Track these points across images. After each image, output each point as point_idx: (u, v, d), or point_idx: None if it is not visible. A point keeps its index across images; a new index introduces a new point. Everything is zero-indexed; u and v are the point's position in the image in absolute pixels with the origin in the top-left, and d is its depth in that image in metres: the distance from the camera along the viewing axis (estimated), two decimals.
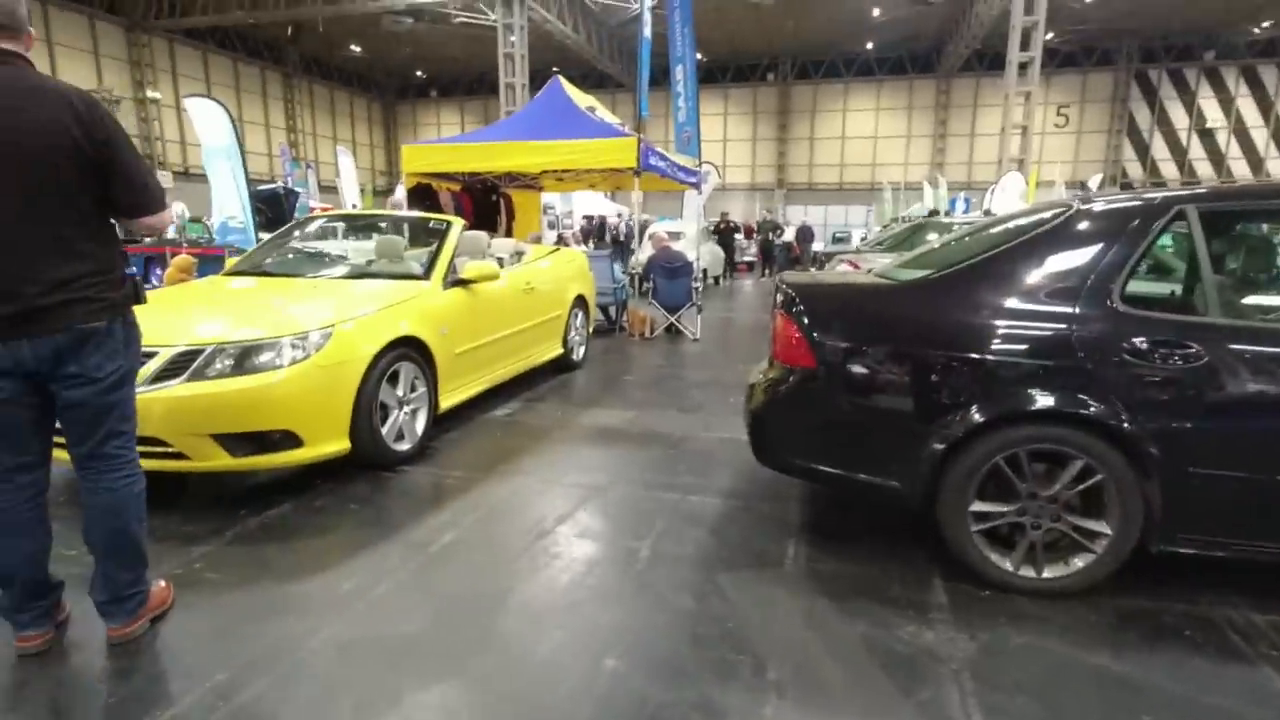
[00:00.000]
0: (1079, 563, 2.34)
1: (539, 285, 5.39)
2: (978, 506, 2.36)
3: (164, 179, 20.55)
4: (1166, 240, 2.54)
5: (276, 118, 29.73)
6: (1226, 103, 27.38)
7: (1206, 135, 27.75)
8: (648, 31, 8.31)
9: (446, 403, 4.16)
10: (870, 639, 2.10)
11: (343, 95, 34.16)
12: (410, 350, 3.78)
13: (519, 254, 5.76)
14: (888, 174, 29.55)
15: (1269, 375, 2.15)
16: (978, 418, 2.29)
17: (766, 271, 19.07)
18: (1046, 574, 2.35)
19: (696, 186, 9.09)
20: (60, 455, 2.01)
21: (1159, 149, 28.56)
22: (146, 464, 2.12)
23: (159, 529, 2.74)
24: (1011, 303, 2.35)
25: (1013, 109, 19.13)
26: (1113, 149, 29.01)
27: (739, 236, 19.20)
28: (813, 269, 14.42)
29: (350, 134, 34.49)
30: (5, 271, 1.73)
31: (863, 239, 18.41)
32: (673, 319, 8.08)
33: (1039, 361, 2.27)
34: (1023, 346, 2.30)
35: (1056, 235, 2.41)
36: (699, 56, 30.77)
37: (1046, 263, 2.38)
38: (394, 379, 3.65)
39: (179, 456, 2.88)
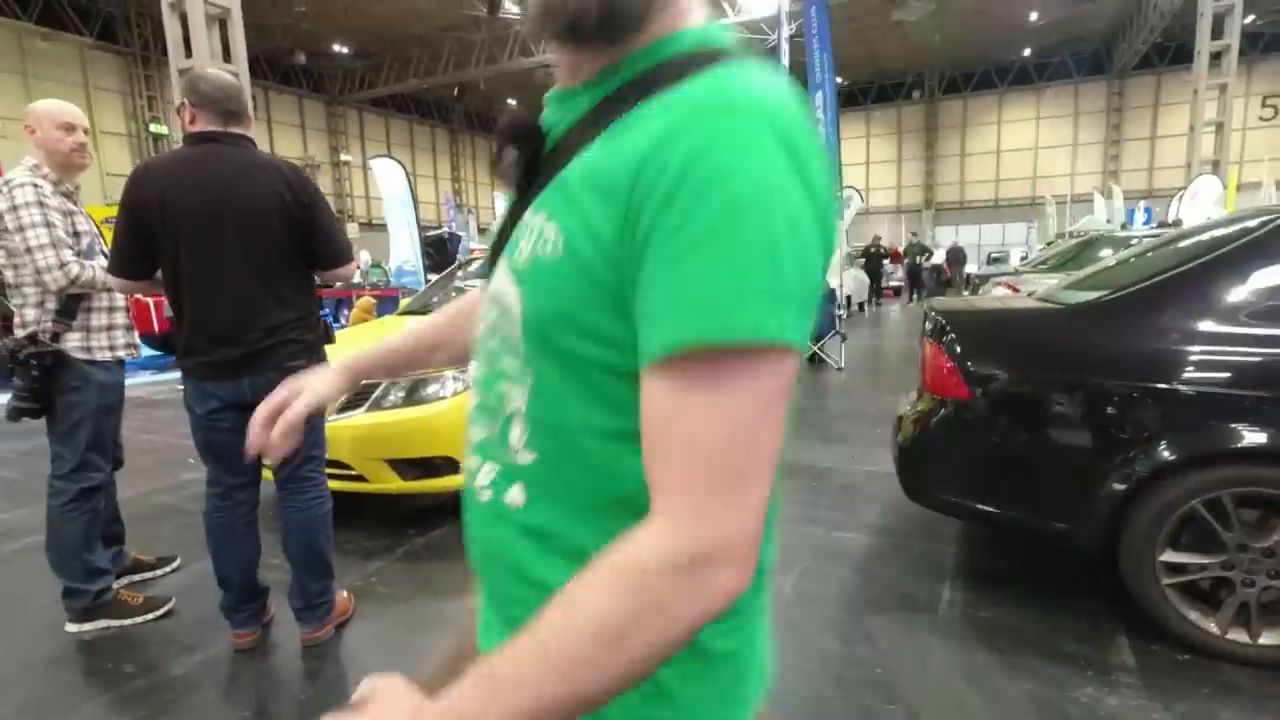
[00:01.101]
0: None
1: None
2: (1170, 557, 2.09)
3: (351, 230, 23.15)
4: None
5: (444, 169, 32.59)
6: None
7: None
8: (785, 61, 8.30)
9: None
10: (1039, 699, 1.91)
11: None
12: None
13: None
14: (1051, 186, 27.28)
15: None
16: (1167, 456, 2.05)
17: (914, 297, 18.17)
18: (1264, 640, 2.04)
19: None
20: (266, 475, 2.30)
21: None
22: (333, 485, 2.38)
23: (343, 544, 3.05)
24: (1207, 325, 2.09)
25: (1204, 105, 17.11)
26: None
27: (886, 262, 18.46)
28: (965, 293, 13.56)
29: None
30: (237, 320, 2.02)
31: (1022, 258, 17.03)
32: (814, 347, 7.89)
33: (1244, 392, 2.00)
34: (1223, 375, 2.04)
35: (1264, 246, 2.13)
36: (839, 80, 30.30)
37: (1251, 278, 2.10)
38: None
39: (359, 479, 3.20)
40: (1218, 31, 16.59)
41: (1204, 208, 13.92)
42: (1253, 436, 1.99)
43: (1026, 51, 26.91)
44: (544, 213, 0.56)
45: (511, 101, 30.02)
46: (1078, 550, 2.21)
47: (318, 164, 25.90)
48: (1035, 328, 2.42)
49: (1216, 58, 16.75)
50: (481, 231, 26.06)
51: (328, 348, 2.26)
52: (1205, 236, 2.39)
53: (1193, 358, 2.08)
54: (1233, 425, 2.01)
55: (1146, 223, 18.27)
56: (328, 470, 2.34)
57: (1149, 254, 2.67)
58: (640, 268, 0.48)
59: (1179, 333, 2.11)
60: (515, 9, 20.08)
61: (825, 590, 2.57)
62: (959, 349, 2.38)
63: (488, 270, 0.66)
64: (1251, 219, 2.27)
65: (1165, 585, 2.10)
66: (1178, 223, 13.65)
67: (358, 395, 3.22)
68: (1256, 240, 2.15)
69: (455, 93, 28.56)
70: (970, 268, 17.27)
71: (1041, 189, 27.43)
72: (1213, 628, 2.07)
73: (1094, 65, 27.30)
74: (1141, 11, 21.57)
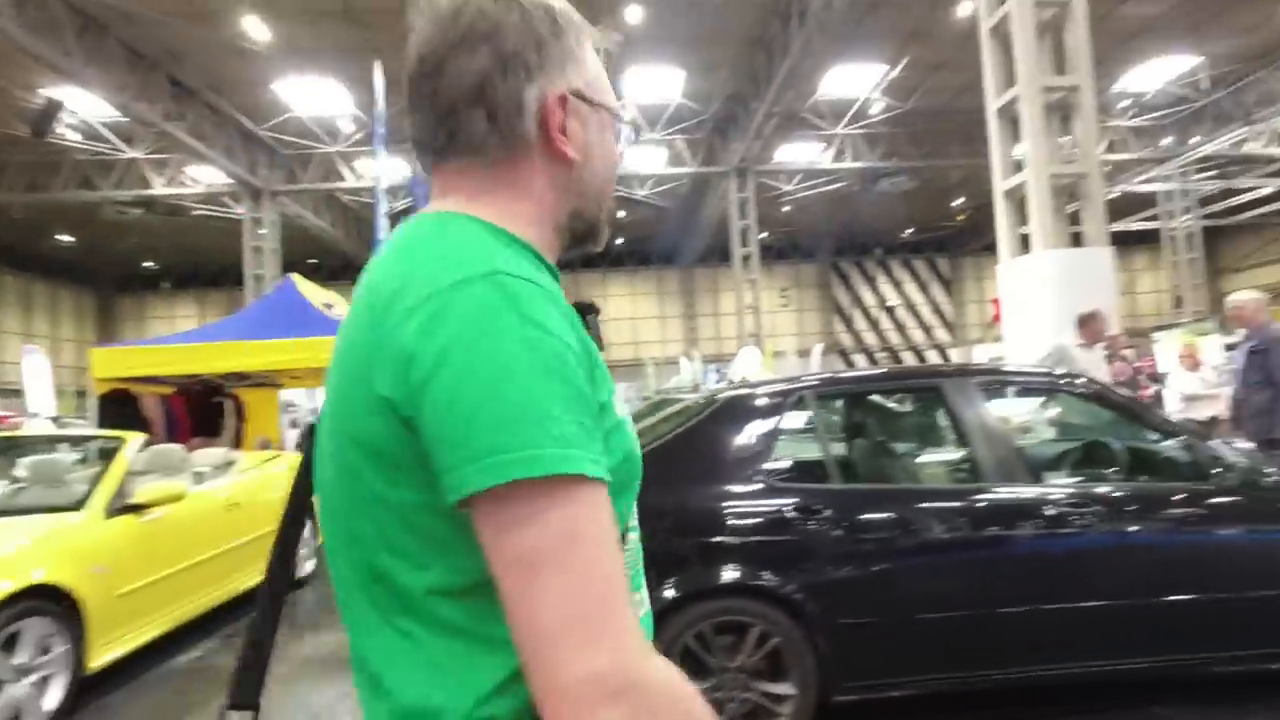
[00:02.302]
0: None
1: (248, 499, 4.80)
2: None
3: None
4: (803, 419, 2.98)
5: None
6: (897, 285, 34.34)
7: (888, 310, 34.28)
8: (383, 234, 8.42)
9: (103, 657, 3.38)
10: None
11: (43, 287, 30.29)
12: (43, 602, 3.06)
13: (229, 464, 5.16)
14: (649, 351, 32.17)
15: (881, 529, 2.49)
16: (668, 596, 2.32)
17: None
18: None
19: None
20: None
21: (859, 322, 34.57)
22: None
23: None
24: (683, 483, 2.49)
25: (744, 293, 22.22)
26: (827, 323, 34.55)
27: None
28: None
29: (51, 330, 30.28)
30: None
31: None
32: None
33: (706, 540, 2.39)
34: (700, 522, 2.43)
35: (711, 420, 2.67)
36: None
37: (702, 446, 2.61)
38: (11, 644, 2.89)
39: None
40: (744, 241, 22.03)
41: (748, 370, 17.81)
42: (727, 574, 2.36)
43: (620, 240, 32.22)
44: None
45: (65, 237, 25.26)
46: None
47: None
48: None
49: (746, 259, 22.11)
50: (7, 393, 20.42)
51: None
52: (679, 409, 2.94)
53: (681, 508, 2.45)
54: (711, 566, 2.37)
55: (718, 381, 22.49)
56: None
57: (656, 418, 3.16)
58: None
59: (667, 488, 2.48)
60: (72, 136, 17.41)
61: None
62: None
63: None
64: (705, 396, 2.88)
65: None
66: (731, 383, 17.22)
67: None
68: (706, 416, 2.70)
69: None
70: None
71: (642, 352, 32.13)
72: None
73: (668, 256, 33.82)
74: (695, 221, 27.67)
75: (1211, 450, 2.80)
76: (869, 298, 34.62)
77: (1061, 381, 3.16)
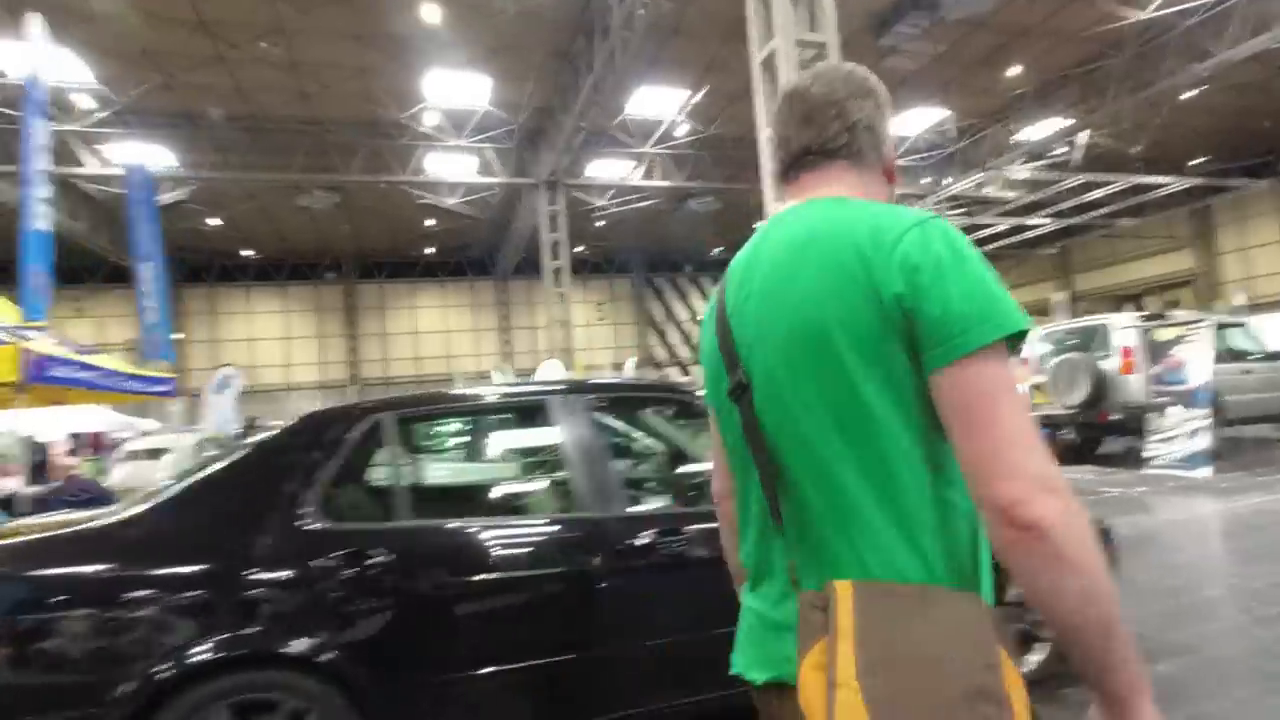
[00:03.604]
0: None
1: None
2: None
3: None
4: (372, 446, 2.57)
5: None
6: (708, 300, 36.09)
7: (701, 324, 35.91)
8: (42, 224, 6.88)
9: None
10: None
11: None
12: None
13: None
14: (462, 365, 30.96)
15: (454, 571, 2.20)
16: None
17: None
18: None
19: (166, 394, 7.83)
20: None
21: (673, 335, 35.80)
22: None
23: None
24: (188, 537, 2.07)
25: (554, 306, 21.97)
26: (642, 336, 35.38)
27: None
28: None
29: None
30: None
31: None
32: None
33: (224, 598, 1.99)
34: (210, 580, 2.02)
35: (254, 453, 2.29)
36: (248, 253, 29.12)
37: (233, 485, 2.20)
38: None
39: None
40: (556, 254, 21.82)
41: None
42: (249, 640, 1.98)
43: (430, 250, 30.76)
44: None
45: None
46: None
47: None
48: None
49: (558, 273, 21.91)
50: None
51: None
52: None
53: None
54: (226, 630, 1.97)
55: None
56: None
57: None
58: None
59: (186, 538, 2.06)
60: None
61: None
62: None
63: None
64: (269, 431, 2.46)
65: None
66: None
67: None
68: (259, 445, 2.30)
69: None
70: None
71: (455, 366, 30.83)
72: None
73: (483, 268, 32.86)
74: (508, 233, 27.10)
75: None
76: (682, 312, 35.97)
77: (683, 395, 2.91)
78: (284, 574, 2.00)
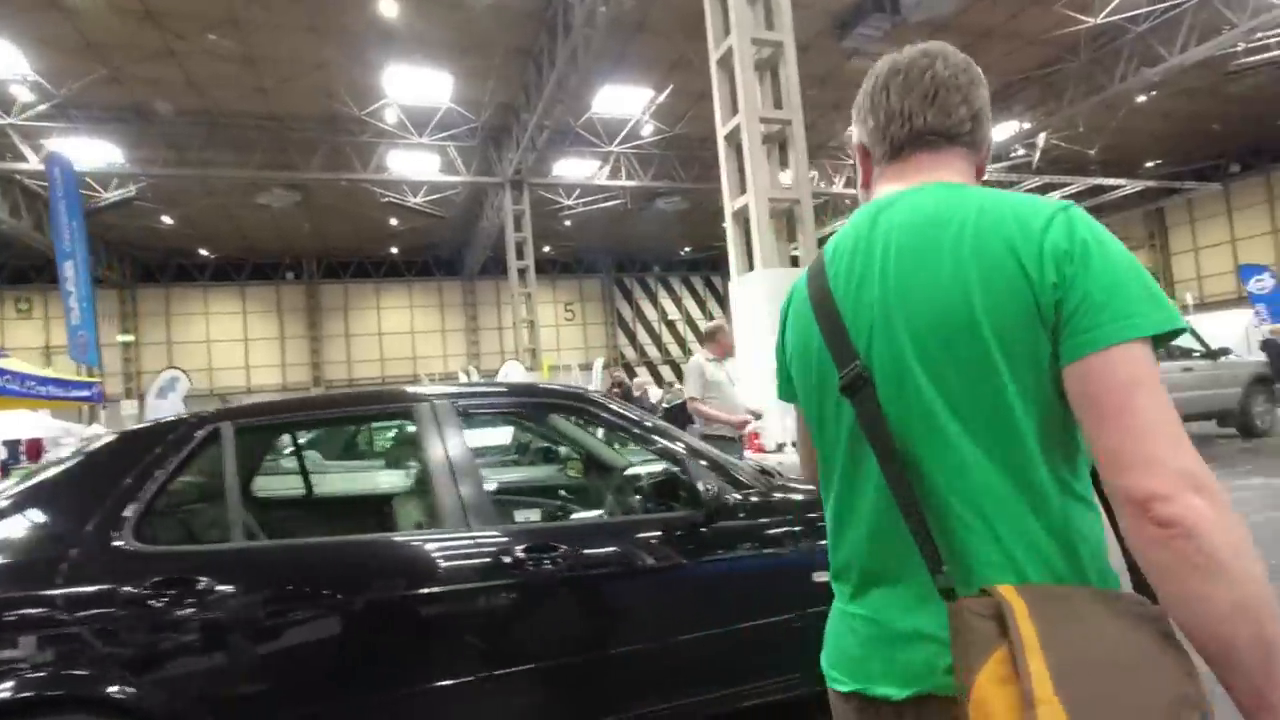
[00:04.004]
0: None
1: None
2: None
3: None
4: (209, 460, 2.26)
5: None
6: (677, 300, 36.07)
7: (670, 324, 35.89)
8: None
9: None
10: None
11: None
12: None
13: None
14: (429, 366, 30.55)
15: (289, 598, 1.97)
16: None
17: None
18: None
19: (87, 400, 7.52)
20: None
21: (642, 335, 35.77)
22: None
23: None
24: None
25: (519, 306, 21.78)
26: (611, 336, 35.29)
27: None
28: None
29: None
30: None
31: None
32: None
33: (28, 635, 1.74)
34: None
35: (71, 469, 2.09)
36: (205, 253, 28.41)
37: (43, 504, 1.98)
38: None
39: None
40: (521, 254, 21.64)
41: None
42: (46, 683, 1.72)
43: (394, 250, 30.30)
44: None
45: None
46: None
47: None
48: None
49: (523, 273, 21.72)
50: None
51: None
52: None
53: None
54: (27, 672, 1.71)
55: None
56: None
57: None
58: None
59: None
60: None
61: None
62: None
63: None
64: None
65: None
66: None
67: None
68: (74, 461, 2.12)
69: None
70: None
71: (421, 367, 30.42)
72: None
73: (450, 268, 32.48)
74: (474, 232, 26.82)
75: (702, 472, 2.37)
76: (651, 312, 35.95)
77: (561, 400, 2.74)
78: (90, 603, 1.76)
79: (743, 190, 7.69)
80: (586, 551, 2.23)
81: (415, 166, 20.40)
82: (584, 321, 34.92)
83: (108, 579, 1.81)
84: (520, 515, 2.51)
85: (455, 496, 2.20)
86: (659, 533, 2.32)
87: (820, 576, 2.32)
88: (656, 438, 2.56)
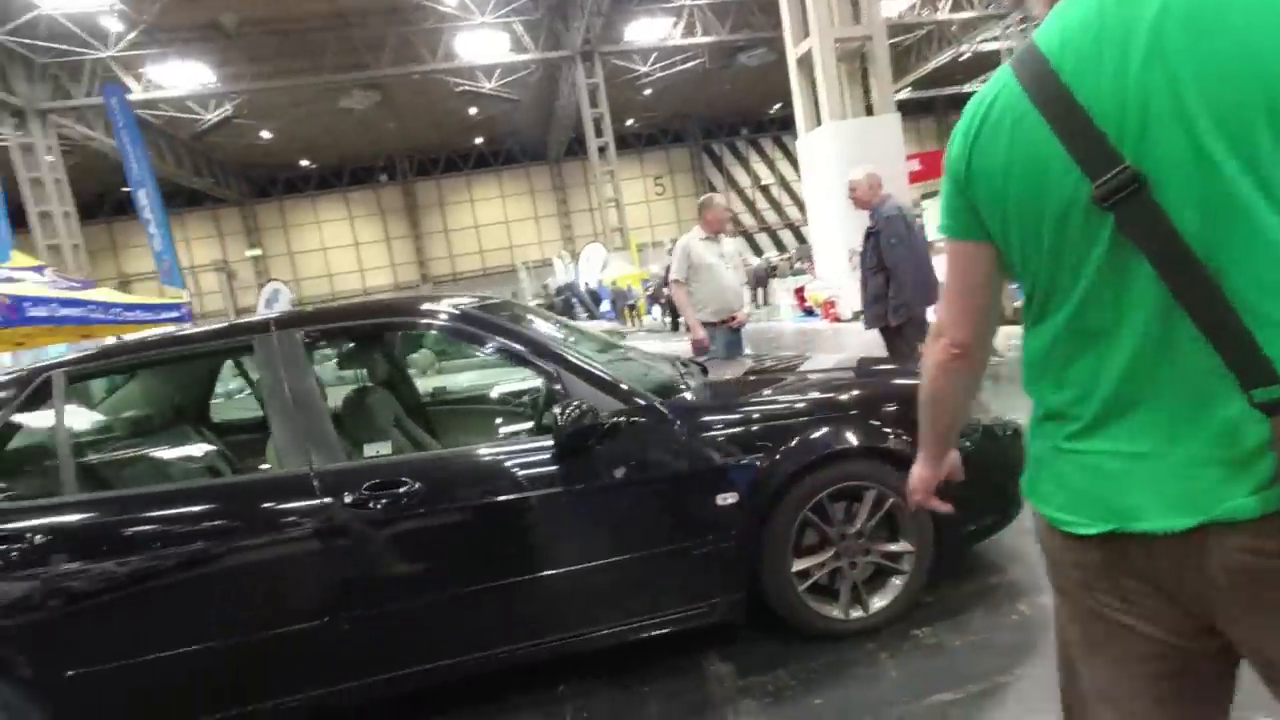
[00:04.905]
0: None
1: None
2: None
3: None
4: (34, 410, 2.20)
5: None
6: (770, 163, 34.25)
7: (764, 189, 34.32)
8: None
9: None
10: None
11: None
12: None
13: None
14: (525, 254, 31.14)
15: (116, 553, 1.99)
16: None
17: None
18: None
19: (178, 320, 8.10)
20: None
21: (736, 203, 34.54)
22: None
23: None
24: None
25: (602, 185, 21.44)
26: None
27: None
28: None
29: None
30: None
31: None
32: None
33: None
34: None
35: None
36: (306, 163, 29.57)
37: None
38: None
39: None
40: (600, 131, 21.02)
41: (593, 270, 17.41)
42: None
43: (479, 140, 30.28)
44: None
45: None
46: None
47: None
48: None
49: (604, 150, 21.18)
50: None
51: None
52: None
53: None
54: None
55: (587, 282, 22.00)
56: None
57: None
58: None
59: None
60: None
61: None
62: None
63: None
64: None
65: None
66: (566, 288, 17.17)
67: None
68: None
69: None
70: None
71: (519, 256, 31.08)
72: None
73: (536, 152, 32.20)
74: (553, 113, 26.20)
75: (577, 392, 2.15)
76: (743, 178, 34.47)
77: (421, 319, 2.47)
78: None
79: (805, 33, 6.95)
80: (435, 486, 2.09)
81: (484, 49, 19.86)
82: (675, 194, 34.05)
83: None
84: (370, 449, 2.29)
85: (295, 432, 2.12)
86: (515, 462, 2.17)
87: (725, 499, 2.21)
88: (524, 351, 2.28)
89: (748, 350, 5.69)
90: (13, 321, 5.68)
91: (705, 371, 2.94)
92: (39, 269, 7.88)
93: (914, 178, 12.18)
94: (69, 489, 2.07)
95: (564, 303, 16.45)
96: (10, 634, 1.91)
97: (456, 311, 2.39)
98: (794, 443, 2.29)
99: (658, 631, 2.26)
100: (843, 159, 6.48)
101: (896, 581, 2.41)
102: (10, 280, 6.64)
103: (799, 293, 12.68)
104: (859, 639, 2.33)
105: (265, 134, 24.77)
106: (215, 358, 2.74)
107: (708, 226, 4.75)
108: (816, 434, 2.32)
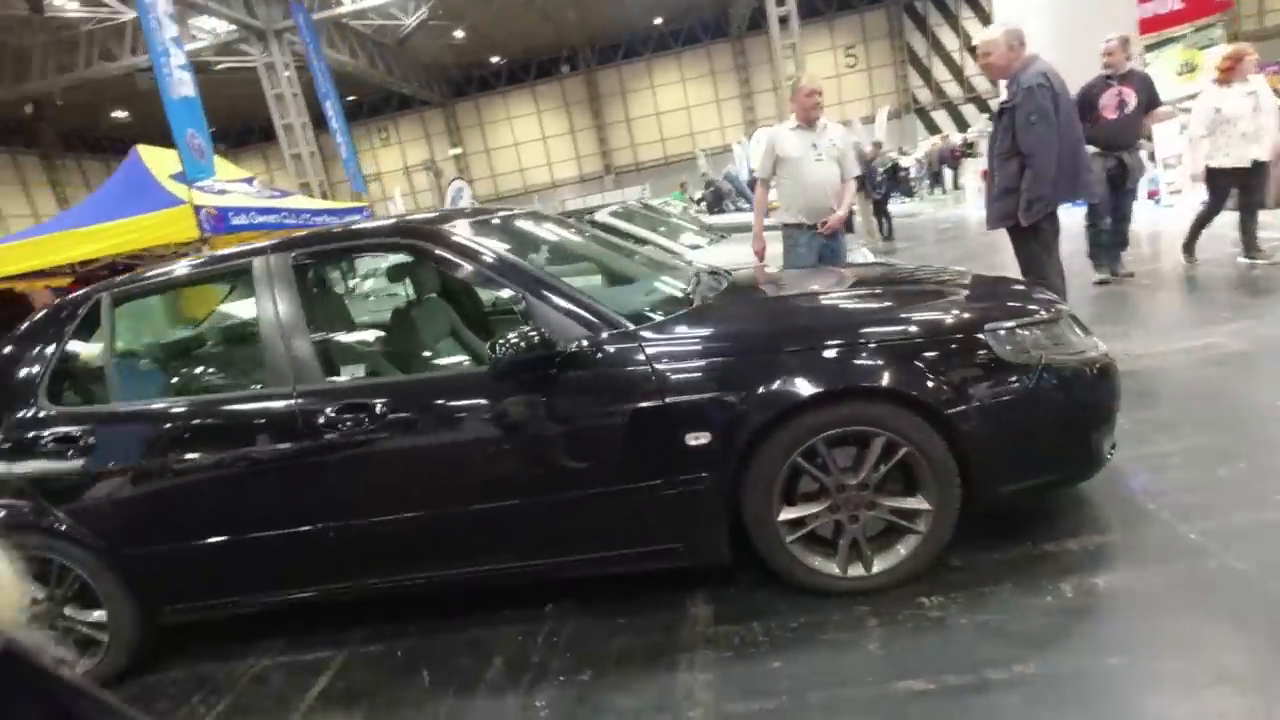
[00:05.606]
0: None
1: None
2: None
3: None
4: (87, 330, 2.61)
5: (45, 205, 26.89)
6: (985, 18, 29.30)
7: (974, 50, 29.58)
8: (186, 91, 7.32)
9: None
10: None
11: (117, 163, 31.54)
12: None
13: None
14: (707, 140, 30.13)
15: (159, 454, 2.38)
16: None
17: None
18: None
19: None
20: None
21: (940, 72, 30.38)
22: None
23: None
24: None
25: (782, 63, 19.75)
26: (901, 79, 30.64)
27: None
28: None
29: None
30: None
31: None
32: None
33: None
34: None
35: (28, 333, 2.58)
36: (495, 60, 30.44)
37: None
38: None
39: None
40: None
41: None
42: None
43: (658, 20, 29.09)
44: None
45: (121, 113, 25.95)
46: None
47: None
48: None
49: (785, 21, 19.30)
50: None
51: None
52: None
53: None
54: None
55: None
56: None
57: None
58: None
59: None
60: (72, 5, 17.26)
61: None
62: None
63: None
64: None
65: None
66: (728, 178, 16.14)
67: None
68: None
69: (29, 110, 23.74)
70: None
71: (700, 143, 30.16)
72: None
73: (717, 28, 30.34)
74: None
75: (543, 319, 2.08)
76: (950, 40, 30.01)
77: (408, 240, 2.49)
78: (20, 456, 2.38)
79: None
80: (397, 410, 2.17)
81: None
82: (868, 65, 30.65)
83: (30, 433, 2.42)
84: (348, 371, 2.43)
85: (282, 354, 2.30)
86: (473, 391, 2.21)
87: (695, 439, 2.00)
88: (496, 276, 2.28)
89: (861, 256, 5.09)
90: (219, 229, 6.66)
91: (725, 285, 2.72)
92: (249, 180, 9.06)
93: (1146, 27, 9.72)
94: (116, 396, 2.48)
95: (713, 194, 15.72)
96: (79, 514, 2.39)
97: (430, 231, 2.42)
98: (774, 382, 2.01)
99: (622, 568, 2.22)
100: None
101: (909, 541, 2.10)
102: (223, 192, 7.72)
103: (985, 175, 11.02)
104: (852, 600, 2.09)
105: (458, 33, 25.74)
106: (234, 278, 3.04)
107: (799, 113, 4.21)
108: (801, 375, 2.02)
